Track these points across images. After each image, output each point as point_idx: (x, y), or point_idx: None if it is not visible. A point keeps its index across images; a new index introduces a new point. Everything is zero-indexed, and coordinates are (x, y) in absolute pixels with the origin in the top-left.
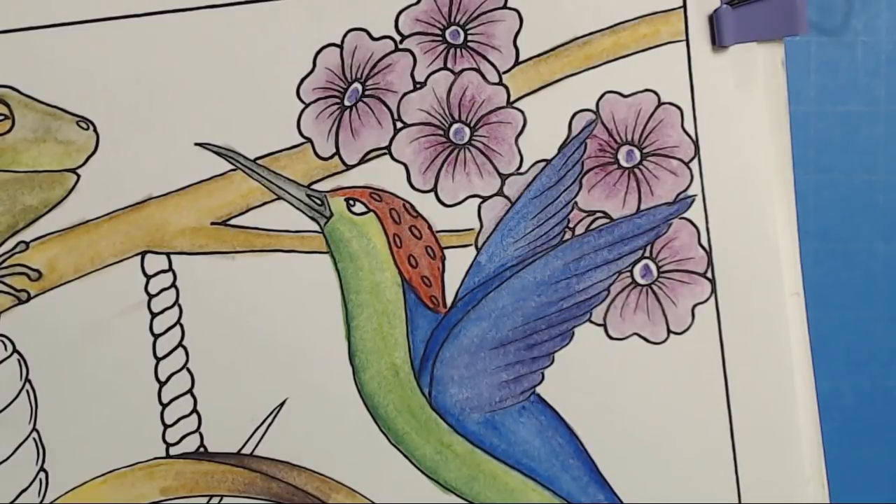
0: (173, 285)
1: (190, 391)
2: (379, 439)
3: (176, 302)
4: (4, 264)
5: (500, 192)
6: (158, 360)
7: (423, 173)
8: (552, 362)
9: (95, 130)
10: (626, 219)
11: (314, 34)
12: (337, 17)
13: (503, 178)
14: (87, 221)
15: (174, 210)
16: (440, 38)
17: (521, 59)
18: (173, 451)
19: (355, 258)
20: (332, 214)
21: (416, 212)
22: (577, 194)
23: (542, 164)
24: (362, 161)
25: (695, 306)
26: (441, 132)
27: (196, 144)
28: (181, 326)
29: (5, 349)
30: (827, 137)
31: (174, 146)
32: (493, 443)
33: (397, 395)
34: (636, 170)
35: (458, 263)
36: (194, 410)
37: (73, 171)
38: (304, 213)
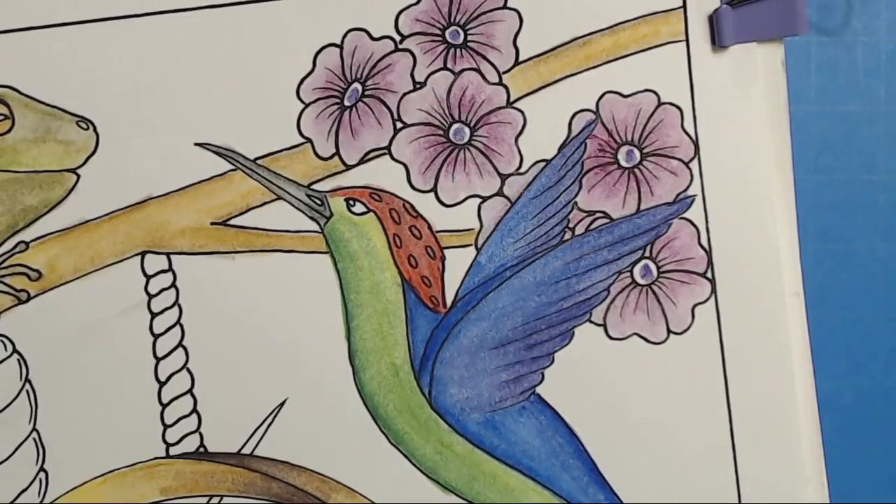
0: (173, 285)
1: (190, 391)
2: (379, 439)
3: (176, 302)
4: (4, 264)
5: (500, 192)
6: (158, 360)
7: (423, 173)
8: (552, 362)
9: (95, 130)
10: (626, 219)
11: (314, 34)
12: (337, 17)
13: (503, 178)
14: (87, 221)
15: (174, 210)
16: (440, 38)
17: (521, 59)
18: (173, 451)
19: (355, 258)
20: (331, 214)
21: (416, 212)
22: (577, 194)
23: (542, 164)
24: (362, 161)
25: (695, 306)
26: (441, 132)
27: (196, 144)
28: (181, 326)
29: (5, 349)
30: (827, 137)
31: (174, 146)
32: (493, 443)
33: (397, 395)
34: (636, 170)
35: (458, 263)
36: (194, 410)
37: (73, 171)
38: (304, 213)
